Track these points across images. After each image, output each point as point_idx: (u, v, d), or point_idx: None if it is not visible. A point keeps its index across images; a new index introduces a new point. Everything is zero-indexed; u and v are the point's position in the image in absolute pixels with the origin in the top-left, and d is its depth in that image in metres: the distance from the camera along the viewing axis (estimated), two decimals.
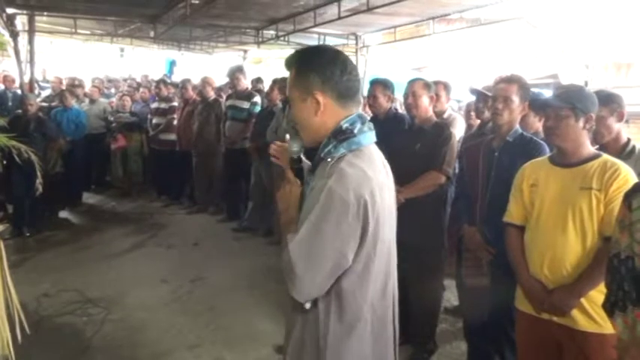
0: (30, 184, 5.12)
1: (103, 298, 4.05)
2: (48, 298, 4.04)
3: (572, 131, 1.94)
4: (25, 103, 5.78)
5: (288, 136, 1.58)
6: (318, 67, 1.38)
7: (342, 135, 1.37)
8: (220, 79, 8.58)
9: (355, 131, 1.37)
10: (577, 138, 1.96)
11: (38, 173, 2.37)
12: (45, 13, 7.86)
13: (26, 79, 7.40)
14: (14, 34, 6.70)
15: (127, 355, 3.23)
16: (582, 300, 1.87)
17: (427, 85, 3.09)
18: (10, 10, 6.89)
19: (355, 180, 1.28)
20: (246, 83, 6.27)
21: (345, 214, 1.27)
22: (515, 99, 2.47)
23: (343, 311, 1.35)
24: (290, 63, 1.44)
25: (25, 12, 7.37)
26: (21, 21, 7.74)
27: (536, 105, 2.11)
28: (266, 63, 14.86)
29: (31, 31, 7.37)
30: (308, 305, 1.34)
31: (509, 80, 2.52)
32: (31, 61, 7.40)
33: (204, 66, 14.85)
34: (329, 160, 1.34)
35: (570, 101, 1.93)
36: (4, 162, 2.62)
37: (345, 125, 1.38)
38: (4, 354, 2.27)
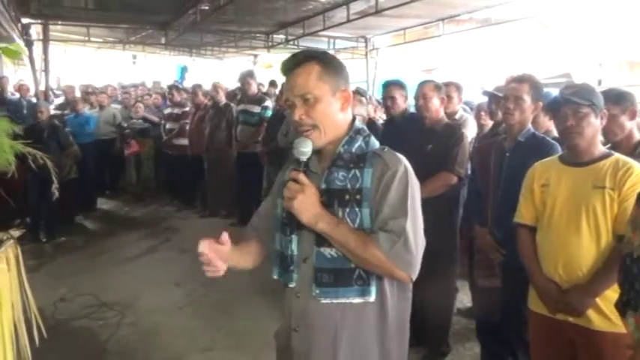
0: (45, 191, 5.21)
1: (118, 302, 4.10)
2: (64, 303, 4.10)
3: (592, 129, 1.94)
4: (36, 110, 5.90)
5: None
6: (342, 66, 1.46)
7: (364, 132, 1.46)
8: (231, 84, 8.66)
9: (368, 131, 1.46)
10: (595, 135, 1.96)
11: (54, 179, 2.40)
12: (59, 22, 7.99)
13: (41, 87, 7.52)
14: (29, 43, 6.82)
15: (141, 358, 3.27)
16: (597, 299, 1.85)
17: (437, 87, 3.09)
18: (25, 20, 7.02)
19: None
20: (256, 88, 6.31)
21: (419, 192, 1.42)
22: (527, 98, 2.46)
23: (405, 288, 1.47)
24: (302, 60, 1.42)
25: (39, 21, 7.50)
26: (35, 30, 7.89)
27: (553, 103, 2.06)
28: (276, 67, 14.93)
29: (46, 40, 7.50)
30: (373, 298, 1.40)
31: (521, 80, 2.51)
32: (46, 70, 7.53)
33: (215, 71, 14.97)
34: (374, 151, 1.43)
35: (589, 98, 1.92)
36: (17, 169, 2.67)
37: (359, 125, 1.46)
38: (22, 357, 2.31)
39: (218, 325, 3.69)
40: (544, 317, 2.02)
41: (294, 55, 1.47)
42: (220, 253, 1.48)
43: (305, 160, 1.42)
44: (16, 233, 2.55)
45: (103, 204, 7.59)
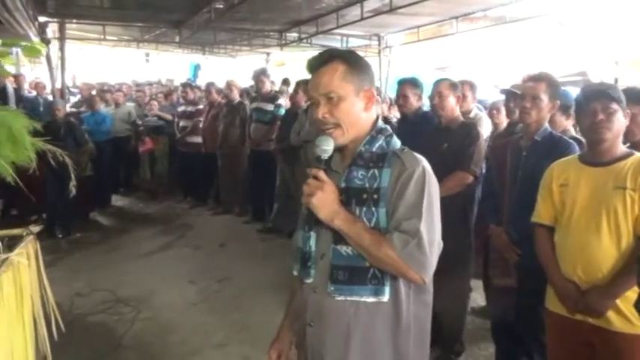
0: (62, 187, 5.29)
1: (133, 298, 4.15)
2: (81, 297, 4.16)
3: (620, 126, 1.92)
4: (53, 108, 5.98)
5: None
6: (367, 65, 1.47)
7: (386, 132, 1.47)
8: (244, 81, 8.69)
9: (390, 131, 1.47)
10: (620, 134, 1.94)
11: (72, 176, 2.44)
12: (74, 21, 8.08)
13: (57, 85, 7.61)
14: (46, 42, 6.90)
15: (157, 353, 3.30)
16: (617, 301, 1.84)
17: (453, 86, 3.07)
18: (41, 19, 7.11)
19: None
20: (270, 86, 6.32)
21: (437, 193, 1.42)
22: (544, 97, 2.44)
23: (423, 291, 1.46)
24: (327, 59, 1.43)
25: (56, 20, 7.59)
26: (51, 29, 7.99)
27: (582, 99, 2.02)
28: (289, 65, 14.94)
29: (62, 38, 7.59)
30: (386, 298, 1.40)
31: (538, 78, 2.49)
32: (62, 68, 7.62)
33: (228, 69, 15.02)
34: (394, 151, 1.43)
35: (618, 96, 1.91)
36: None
37: (381, 125, 1.47)
38: (41, 350, 2.35)
39: (232, 322, 3.72)
40: (562, 317, 2.00)
41: (319, 54, 1.48)
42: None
43: (326, 157, 1.43)
44: (35, 229, 2.59)
45: (118, 201, 7.67)
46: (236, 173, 6.45)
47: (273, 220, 5.88)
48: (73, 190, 2.50)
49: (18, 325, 2.05)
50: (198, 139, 6.93)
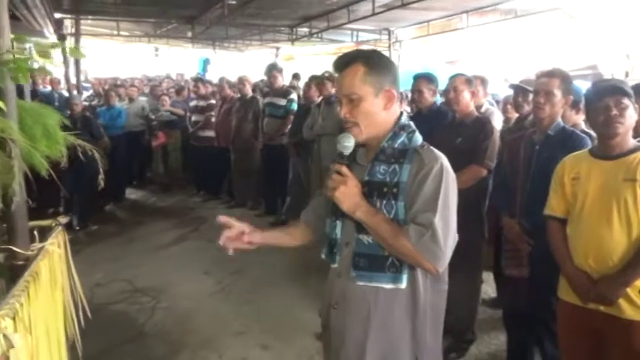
0: (79, 180, 5.42)
1: (152, 288, 4.26)
2: (101, 288, 4.28)
3: (631, 121, 1.98)
4: (71, 103, 6.11)
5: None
6: (388, 66, 1.55)
7: (408, 128, 1.54)
8: (253, 75, 8.76)
9: (413, 127, 1.54)
10: (630, 128, 2.00)
11: (101, 170, 2.53)
12: (89, 17, 8.20)
13: (72, 80, 7.74)
14: (62, 38, 7.01)
15: (177, 340, 3.41)
16: (628, 289, 1.90)
17: (468, 81, 3.13)
18: (57, 15, 7.23)
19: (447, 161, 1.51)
20: (282, 81, 6.39)
21: (455, 188, 1.49)
22: (557, 93, 2.49)
23: (439, 280, 1.55)
24: (350, 60, 1.52)
25: (71, 16, 7.71)
26: (65, 25, 8.10)
27: (594, 95, 2.07)
28: (298, 60, 15.00)
29: (77, 34, 7.70)
30: (404, 285, 1.49)
31: (551, 74, 2.54)
32: (77, 63, 7.74)
33: (237, 64, 15.10)
34: (415, 147, 1.51)
35: (629, 90, 1.98)
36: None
37: (404, 121, 1.55)
38: (70, 336, 2.47)
39: (248, 311, 3.83)
40: (574, 306, 2.07)
41: (343, 55, 1.57)
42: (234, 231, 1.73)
43: (347, 153, 1.52)
44: (63, 220, 2.70)
45: (131, 194, 7.80)
46: (249, 167, 6.54)
47: (286, 214, 5.97)
48: (102, 183, 2.59)
49: (52, 309, 2.16)
50: (211, 134, 7.02)
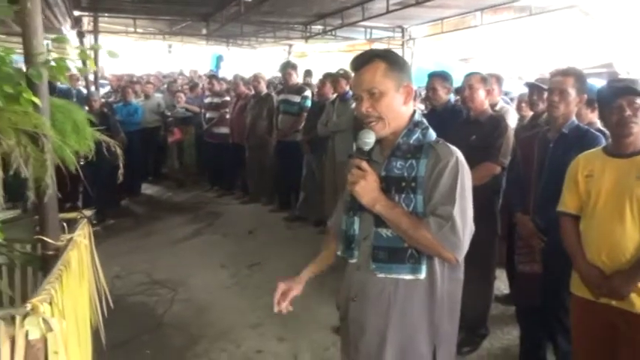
0: (98, 175, 5.54)
1: (169, 281, 4.37)
2: (120, 280, 4.39)
3: None
4: (90, 99, 6.24)
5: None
6: (405, 63, 1.62)
7: (422, 125, 1.60)
8: (265, 72, 8.83)
9: (426, 124, 1.60)
10: None
11: (121, 164, 2.61)
12: (106, 15, 8.32)
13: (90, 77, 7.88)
14: (81, 35, 7.14)
15: (195, 331, 3.50)
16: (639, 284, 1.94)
17: (484, 79, 3.17)
18: (76, 13, 7.36)
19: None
20: (296, 78, 6.46)
21: (470, 181, 1.56)
22: (572, 92, 2.53)
23: (455, 270, 1.60)
24: (369, 58, 1.57)
25: (89, 14, 7.83)
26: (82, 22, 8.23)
27: (607, 95, 2.11)
28: (311, 57, 15.04)
29: (96, 31, 7.83)
30: (423, 275, 1.54)
31: (566, 73, 2.58)
32: (96, 60, 7.86)
33: (249, 60, 15.18)
34: (430, 143, 1.57)
35: None
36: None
37: (418, 118, 1.60)
38: (94, 324, 2.56)
39: (264, 304, 3.89)
40: (587, 301, 2.11)
41: (362, 54, 1.63)
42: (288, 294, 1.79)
43: (368, 149, 1.57)
44: (88, 213, 2.80)
45: (147, 189, 7.93)
46: (263, 163, 6.62)
47: (300, 209, 6.04)
48: (120, 177, 2.66)
49: (80, 298, 2.25)
50: (225, 130, 7.11)
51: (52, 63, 1.77)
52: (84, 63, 2.20)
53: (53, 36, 4.84)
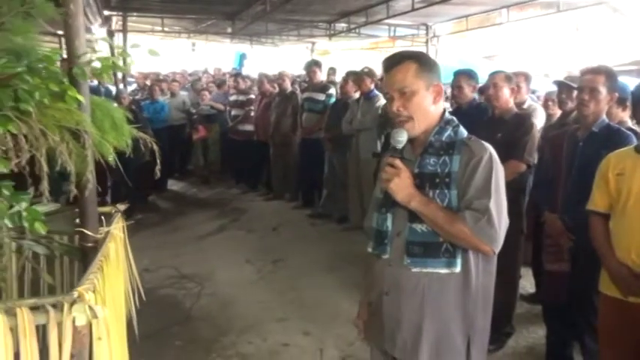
0: (126, 170, 5.67)
1: (196, 275, 4.46)
2: (149, 273, 4.50)
3: None
4: (120, 97, 6.40)
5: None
6: (436, 64, 1.66)
7: (453, 123, 1.64)
8: (288, 70, 8.89)
9: (457, 122, 1.64)
10: None
11: (158, 161, 2.68)
12: (135, 14, 8.50)
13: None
14: (110, 34, 7.31)
15: (223, 324, 3.58)
16: None
17: (508, 78, 3.17)
18: (106, 12, 7.54)
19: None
20: (321, 76, 6.50)
21: (503, 175, 1.61)
22: (602, 90, 2.51)
23: (489, 262, 1.64)
24: (400, 59, 1.62)
25: (119, 13, 8.02)
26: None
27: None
28: (334, 54, 15.07)
29: (125, 30, 8.01)
30: (458, 269, 1.58)
31: (596, 71, 2.56)
32: (124, 59, 8.03)
33: (272, 58, 15.26)
34: (462, 140, 1.61)
35: None
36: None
37: (449, 116, 1.65)
38: (128, 315, 2.65)
39: (290, 299, 3.97)
40: (616, 300, 2.11)
41: (393, 55, 1.68)
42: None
43: (400, 147, 1.62)
44: (121, 207, 2.90)
45: (173, 185, 8.08)
46: (287, 161, 6.69)
47: (323, 206, 6.09)
48: (158, 173, 2.74)
49: (117, 289, 2.34)
50: (250, 127, 7.20)
51: (97, 62, 1.84)
52: (124, 61, 2.28)
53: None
